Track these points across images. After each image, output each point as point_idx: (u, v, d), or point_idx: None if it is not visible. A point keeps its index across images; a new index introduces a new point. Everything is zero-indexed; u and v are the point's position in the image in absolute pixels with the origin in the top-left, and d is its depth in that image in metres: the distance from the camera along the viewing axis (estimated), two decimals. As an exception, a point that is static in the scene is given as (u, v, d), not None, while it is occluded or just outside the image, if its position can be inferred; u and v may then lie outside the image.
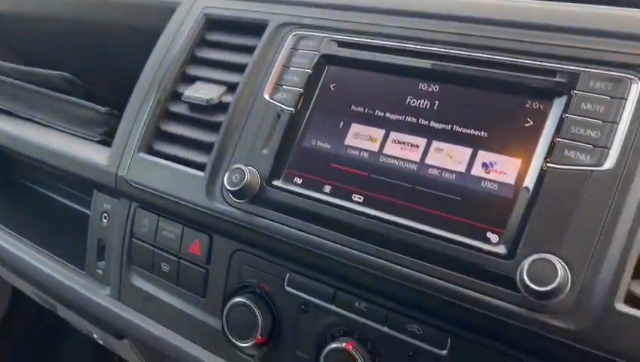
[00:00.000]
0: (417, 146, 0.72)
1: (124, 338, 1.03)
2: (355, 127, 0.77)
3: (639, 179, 0.59)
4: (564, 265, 0.58)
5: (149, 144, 0.92)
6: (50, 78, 1.13)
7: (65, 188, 1.24)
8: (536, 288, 0.57)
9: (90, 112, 1.05)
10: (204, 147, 0.86)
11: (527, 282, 0.57)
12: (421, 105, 0.74)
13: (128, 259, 0.95)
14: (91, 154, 0.99)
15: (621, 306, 0.56)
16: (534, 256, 0.58)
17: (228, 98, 0.87)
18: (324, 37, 0.83)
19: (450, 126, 0.71)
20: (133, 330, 0.95)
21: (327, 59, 0.81)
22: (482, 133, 0.69)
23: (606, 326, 0.56)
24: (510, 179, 0.65)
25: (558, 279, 0.56)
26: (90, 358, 1.70)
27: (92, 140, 1.04)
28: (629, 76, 0.63)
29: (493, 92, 0.70)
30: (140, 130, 0.93)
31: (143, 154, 0.92)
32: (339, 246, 0.72)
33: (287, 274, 0.78)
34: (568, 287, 0.58)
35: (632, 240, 0.57)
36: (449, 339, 0.67)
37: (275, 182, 0.78)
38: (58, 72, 1.12)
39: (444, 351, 0.67)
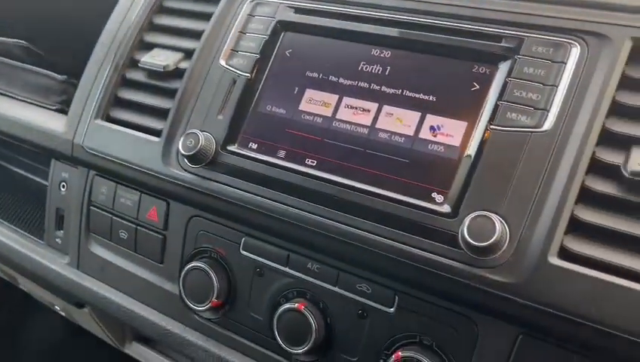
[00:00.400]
0: (369, 111, 0.73)
1: (84, 306, 1.03)
2: (309, 93, 0.77)
3: (574, 139, 0.61)
4: (502, 221, 0.60)
5: (105, 111, 0.92)
6: (6, 46, 1.11)
7: (23, 159, 1.23)
8: (476, 244, 0.59)
9: (47, 80, 1.04)
10: (160, 113, 0.86)
11: (468, 238, 0.59)
12: (373, 71, 0.75)
13: (87, 227, 0.95)
14: (48, 122, 0.98)
15: (554, 260, 0.58)
16: (475, 214, 0.60)
17: (184, 64, 0.87)
18: (280, 3, 0.83)
19: (400, 90, 0.73)
20: (93, 298, 0.95)
21: (283, 26, 0.81)
22: (431, 97, 0.70)
23: (540, 279, 0.58)
24: (456, 142, 0.67)
25: (496, 235, 0.58)
26: (58, 334, 1.69)
27: (49, 108, 1.02)
28: (569, 41, 0.65)
29: (442, 57, 0.71)
30: (97, 97, 0.92)
31: (99, 121, 0.91)
32: (292, 209, 0.73)
33: (243, 239, 0.79)
34: (506, 243, 0.60)
35: (565, 198, 0.59)
36: (396, 297, 0.69)
37: (231, 147, 0.78)
38: (15, 40, 1.10)
39: (392, 309, 0.69)
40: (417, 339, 0.68)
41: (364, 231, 0.68)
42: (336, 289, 0.73)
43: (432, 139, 0.69)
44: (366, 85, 0.75)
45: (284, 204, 0.73)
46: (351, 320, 0.72)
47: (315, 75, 0.78)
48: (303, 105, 0.77)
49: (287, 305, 0.74)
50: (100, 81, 0.93)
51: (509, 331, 0.62)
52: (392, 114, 0.72)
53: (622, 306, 0.55)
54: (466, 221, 0.60)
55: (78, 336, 1.39)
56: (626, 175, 0.58)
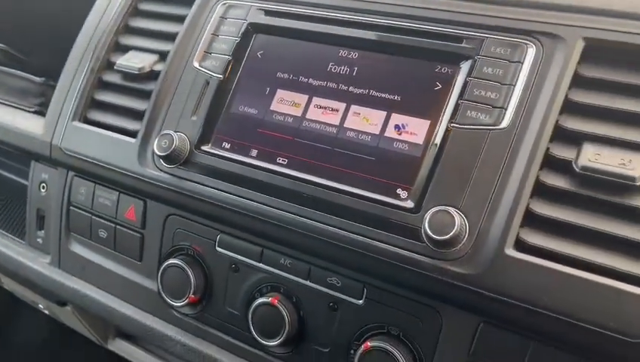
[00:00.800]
0: (337, 110, 0.76)
1: (67, 305, 1.05)
2: (280, 93, 0.80)
3: (530, 136, 0.64)
4: (462, 215, 0.63)
5: (83, 113, 0.93)
6: (-16, 49, 1.12)
7: (3, 160, 1.24)
8: (436, 237, 0.62)
9: (25, 83, 1.05)
10: (136, 115, 0.88)
11: (429, 232, 0.62)
12: (341, 72, 0.77)
13: (67, 227, 0.97)
14: (26, 124, 0.99)
15: (510, 251, 0.61)
16: (436, 209, 0.63)
17: (159, 66, 0.89)
18: (251, 6, 0.85)
19: (367, 90, 0.75)
20: (74, 296, 0.97)
21: (254, 28, 0.84)
22: (396, 96, 0.73)
23: (497, 270, 0.61)
24: (419, 140, 0.70)
25: (455, 229, 0.61)
26: (45, 333, 1.70)
27: (28, 111, 1.04)
28: (525, 41, 0.68)
29: (406, 58, 0.74)
30: (74, 99, 0.94)
31: (77, 123, 0.93)
32: (264, 206, 0.75)
33: (218, 236, 0.81)
34: (466, 236, 0.63)
35: (521, 192, 0.62)
36: (365, 290, 0.71)
37: (204, 147, 0.80)
38: (-8, 43, 1.11)
39: (361, 301, 0.72)
40: (385, 330, 0.70)
41: (332, 226, 0.71)
42: (308, 283, 0.75)
43: (397, 137, 0.71)
44: (334, 85, 0.77)
45: (256, 201, 0.76)
46: (322, 313, 0.74)
47: (286, 75, 0.80)
48: (274, 106, 0.79)
49: (261, 300, 0.76)
50: (76, 83, 0.94)
51: (471, 320, 0.65)
52: (360, 113, 0.75)
53: (573, 295, 0.58)
54: (428, 215, 0.63)
55: (65, 335, 1.41)
56: (577, 170, 0.61)
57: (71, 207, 0.96)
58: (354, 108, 0.75)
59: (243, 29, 0.84)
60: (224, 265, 0.81)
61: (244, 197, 0.77)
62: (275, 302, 0.75)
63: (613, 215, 0.59)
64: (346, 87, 0.76)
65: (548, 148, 0.63)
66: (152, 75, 0.89)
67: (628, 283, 0.56)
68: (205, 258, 0.83)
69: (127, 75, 0.91)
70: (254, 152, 0.78)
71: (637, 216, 0.58)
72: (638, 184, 0.58)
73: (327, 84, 0.77)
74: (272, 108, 0.79)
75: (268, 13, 0.84)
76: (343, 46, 0.78)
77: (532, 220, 0.62)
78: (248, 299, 0.79)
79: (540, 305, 0.59)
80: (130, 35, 0.95)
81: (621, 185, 0.59)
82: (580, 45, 0.66)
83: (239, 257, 0.80)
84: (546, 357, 0.61)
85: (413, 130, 0.71)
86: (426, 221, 0.63)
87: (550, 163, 0.63)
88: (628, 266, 0.57)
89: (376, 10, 0.77)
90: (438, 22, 0.73)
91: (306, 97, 0.78)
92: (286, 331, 0.74)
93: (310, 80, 0.79)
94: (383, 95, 0.74)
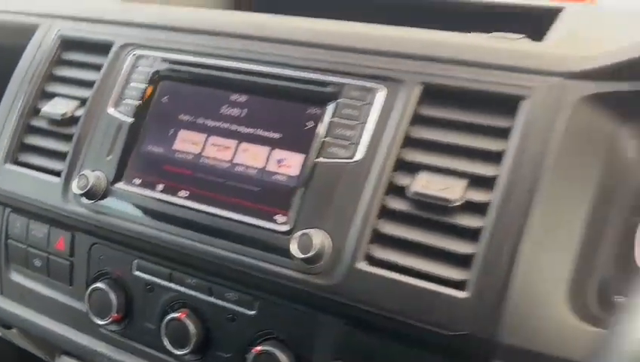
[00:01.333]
0: (229, 148, 0.88)
1: (12, 328, 1.15)
2: (182, 134, 0.91)
3: (376, 167, 0.76)
4: (325, 235, 0.75)
5: (14, 156, 1.04)
6: None
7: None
8: (302, 255, 0.74)
9: (-37, 128, 1.14)
10: (60, 156, 0.99)
11: (296, 251, 0.74)
12: (232, 113, 0.89)
13: (6, 258, 1.07)
14: (-35, 166, 1.09)
15: (361, 265, 0.74)
16: (303, 231, 0.75)
17: (79, 112, 1.00)
18: (157, 56, 0.96)
19: (254, 129, 0.87)
20: (17, 320, 1.08)
21: (160, 75, 0.95)
22: (277, 134, 0.85)
23: (350, 281, 0.73)
24: (294, 172, 0.82)
25: (317, 247, 0.73)
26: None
27: (-33, 153, 1.13)
28: (376, 86, 0.80)
29: (284, 100, 0.86)
30: (6, 143, 1.04)
31: (8, 165, 1.03)
32: (169, 236, 0.86)
33: (135, 261, 0.93)
34: (329, 253, 0.75)
35: (369, 214, 0.75)
36: (256, 302, 0.83)
37: (118, 184, 0.92)
38: None
39: (253, 312, 0.84)
40: (274, 335, 0.82)
41: (225, 251, 0.82)
42: (211, 299, 0.87)
43: (277, 170, 0.83)
44: (227, 125, 0.89)
45: (162, 231, 0.87)
46: (223, 324, 0.86)
47: (187, 117, 0.92)
48: (177, 145, 0.91)
49: (171, 315, 0.88)
50: (7, 128, 1.05)
51: (338, 324, 0.77)
52: (248, 149, 0.87)
53: (407, 298, 0.71)
54: (296, 237, 0.75)
55: (19, 353, 1.50)
56: (410, 196, 0.73)
57: (9, 240, 1.06)
58: (243, 145, 0.87)
59: (150, 77, 0.95)
60: (141, 286, 0.92)
61: (152, 227, 0.88)
62: (183, 316, 0.87)
63: (438, 231, 0.72)
64: (237, 127, 0.88)
65: (391, 177, 0.76)
66: (74, 120, 1.00)
67: (447, 286, 0.69)
68: (125, 280, 0.94)
69: (51, 121, 1.02)
70: (160, 187, 0.90)
71: (453, 231, 0.71)
72: (453, 205, 0.71)
73: (221, 124, 0.89)
74: (174, 147, 0.91)
75: (172, 62, 0.95)
76: (234, 90, 0.90)
77: (379, 238, 0.75)
78: (162, 314, 0.90)
79: (382, 308, 0.72)
80: (54, 82, 1.06)
81: (442, 206, 0.72)
82: (418, 89, 0.78)
83: (153, 279, 0.91)
84: (392, 351, 0.74)
85: (290, 163, 0.83)
86: (295, 242, 0.75)
87: (393, 190, 0.75)
88: (447, 272, 0.70)
89: (259, 60, 0.89)
90: (309, 69, 0.85)
91: (204, 136, 0.90)
92: (193, 341, 0.86)
93: (207, 121, 0.90)
94: (267, 133, 0.86)
